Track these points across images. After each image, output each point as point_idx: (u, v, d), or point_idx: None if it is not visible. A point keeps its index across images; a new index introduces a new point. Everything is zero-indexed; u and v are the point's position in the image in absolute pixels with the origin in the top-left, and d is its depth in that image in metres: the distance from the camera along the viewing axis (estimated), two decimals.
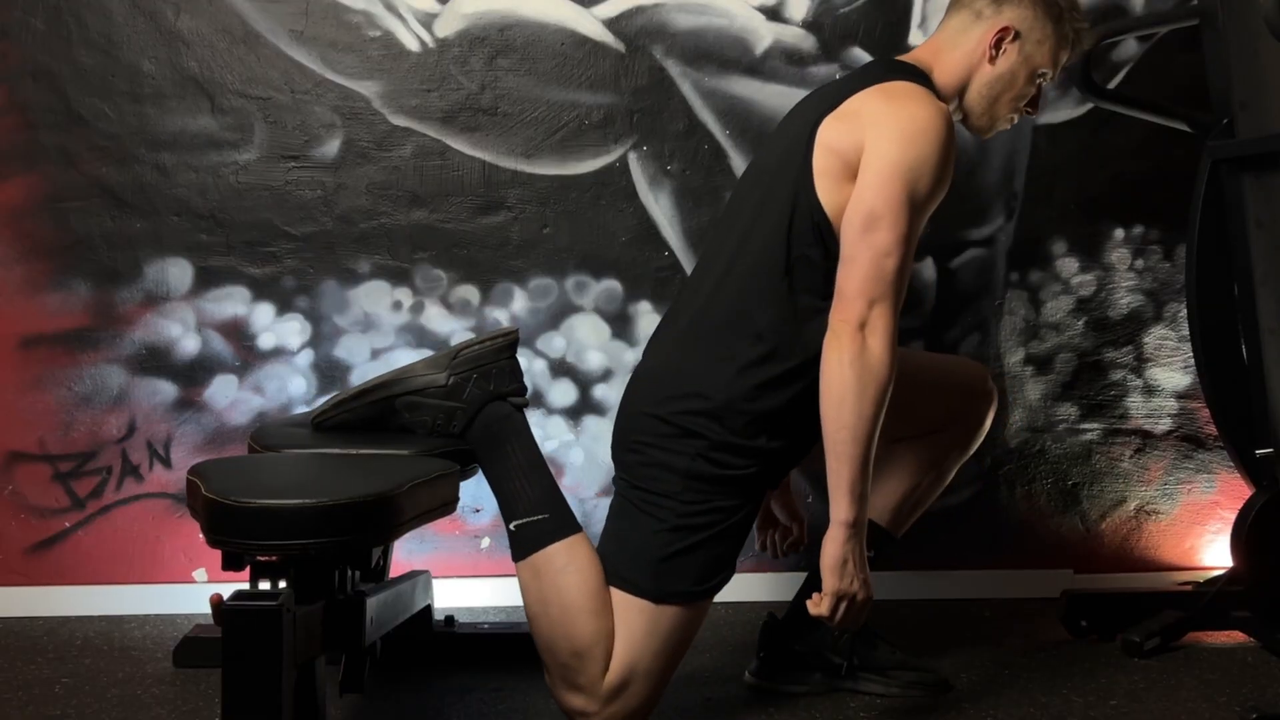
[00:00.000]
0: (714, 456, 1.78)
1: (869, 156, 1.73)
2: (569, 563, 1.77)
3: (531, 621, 1.80)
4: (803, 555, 2.54)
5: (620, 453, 1.89)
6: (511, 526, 1.80)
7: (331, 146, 2.47)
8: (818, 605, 1.74)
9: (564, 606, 1.76)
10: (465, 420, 1.84)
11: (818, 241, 1.77)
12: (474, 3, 2.47)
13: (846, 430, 1.69)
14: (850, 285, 1.71)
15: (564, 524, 1.80)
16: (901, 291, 1.73)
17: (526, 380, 2.47)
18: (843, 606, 1.74)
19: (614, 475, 1.91)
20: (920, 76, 1.85)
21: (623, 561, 1.79)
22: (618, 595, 1.78)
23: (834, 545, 1.73)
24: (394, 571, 2.03)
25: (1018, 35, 1.87)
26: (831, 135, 1.77)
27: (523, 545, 1.79)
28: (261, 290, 2.48)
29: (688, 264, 2.53)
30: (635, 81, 2.50)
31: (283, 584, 1.52)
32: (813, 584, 2.06)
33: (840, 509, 1.72)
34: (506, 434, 1.84)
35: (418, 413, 1.85)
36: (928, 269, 2.57)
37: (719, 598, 2.53)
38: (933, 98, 1.80)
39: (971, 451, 2.08)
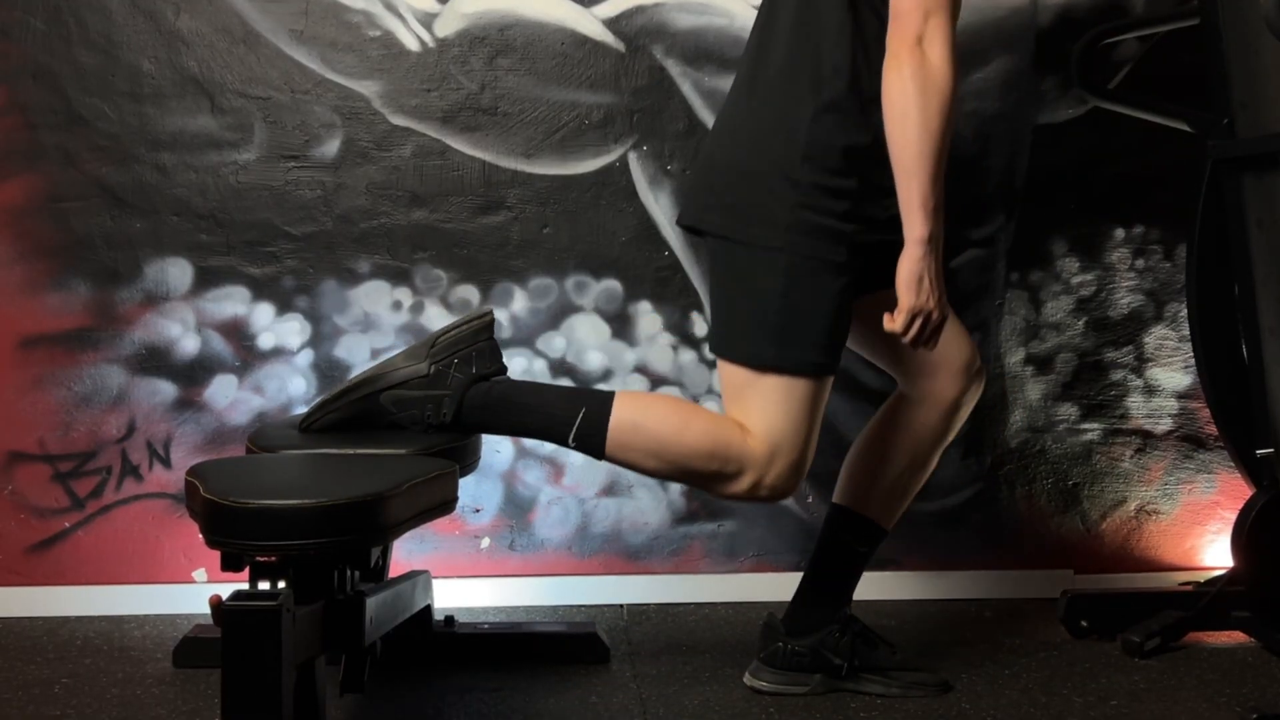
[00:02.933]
0: (812, 202, 1.79)
1: None
2: (635, 414, 1.84)
3: (656, 474, 1.90)
4: (804, 555, 2.54)
5: (711, 217, 1.89)
6: (571, 442, 1.85)
7: (331, 146, 2.47)
8: (892, 322, 1.77)
9: (664, 443, 1.83)
10: (454, 406, 1.84)
11: None
12: (474, 3, 2.47)
13: (914, 145, 1.70)
14: (904, 2, 1.71)
15: (602, 400, 1.86)
16: (957, 2, 1.73)
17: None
18: (917, 323, 1.76)
19: (707, 250, 1.93)
20: None
21: (742, 335, 1.83)
22: (743, 374, 1.83)
23: (910, 262, 1.74)
24: (394, 571, 2.03)
25: None
26: None
27: (592, 443, 1.85)
28: (261, 290, 2.48)
29: (688, 264, 2.53)
30: (635, 81, 2.50)
31: (282, 584, 1.52)
32: (809, 582, 2.07)
33: (915, 226, 1.73)
34: (500, 394, 1.87)
35: (406, 407, 1.85)
36: None
37: (719, 597, 2.55)
38: None
39: (951, 437, 2.07)
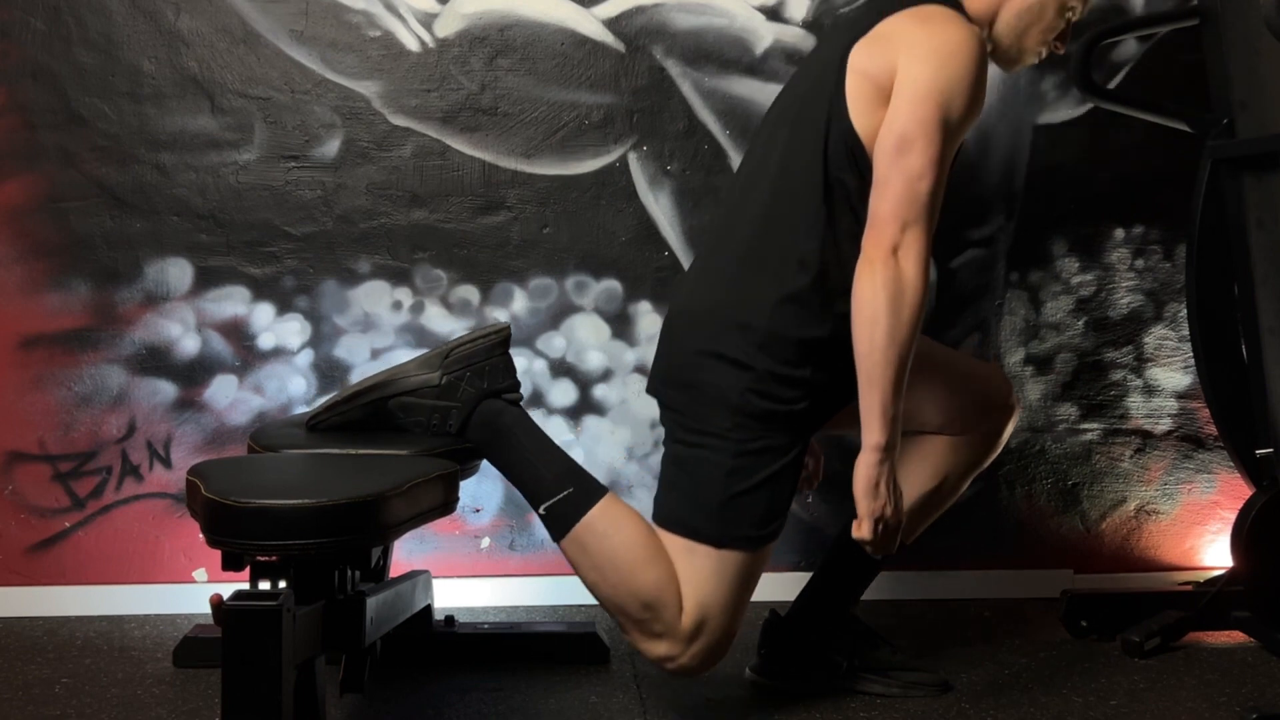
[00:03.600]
0: (763, 389, 1.78)
1: (901, 79, 1.73)
2: (609, 525, 1.79)
3: (593, 589, 1.83)
4: (804, 555, 2.54)
5: (668, 391, 1.89)
6: (541, 511, 1.82)
7: (331, 146, 2.47)
8: (858, 529, 1.76)
9: (618, 567, 1.78)
10: (461, 419, 1.84)
11: (852, 167, 1.77)
12: (474, 3, 2.47)
13: (879, 353, 1.69)
14: (883, 209, 1.71)
15: (590, 492, 1.82)
16: (935, 215, 1.72)
17: (526, 380, 2.48)
18: (879, 528, 1.75)
19: (660, 418, 1.92)
20: (951, 1, 1.85)
21: (684, 509, 1.81)
22: (682, 542, 1.80)
23: (866, 468, 1.74)
24: (394, 571, 2.03)
25: None
26: (863, 59, 1.77)
27: (558, 525, 1.81)
28: (261, 290, 2.48)
29: (688, 264, 2.52)
30: (635, 81, 2.50)
31: (283, 584, 1.52)
32: (817, 584, 2.07)
33: (873, 432, 1.72)
34: (507, 425, 1.85)
35: (412, 413, 1.85)
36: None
37: None
38: (964, 20, 1.79)
39: (986, 465, 2.07)
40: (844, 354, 1.77)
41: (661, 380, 1.91)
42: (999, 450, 2.08)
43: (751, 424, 1.79)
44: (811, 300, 1.78)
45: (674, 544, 1.82)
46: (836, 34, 1.89)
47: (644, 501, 2.54)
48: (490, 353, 1.87)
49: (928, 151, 1.70)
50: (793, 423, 1.81)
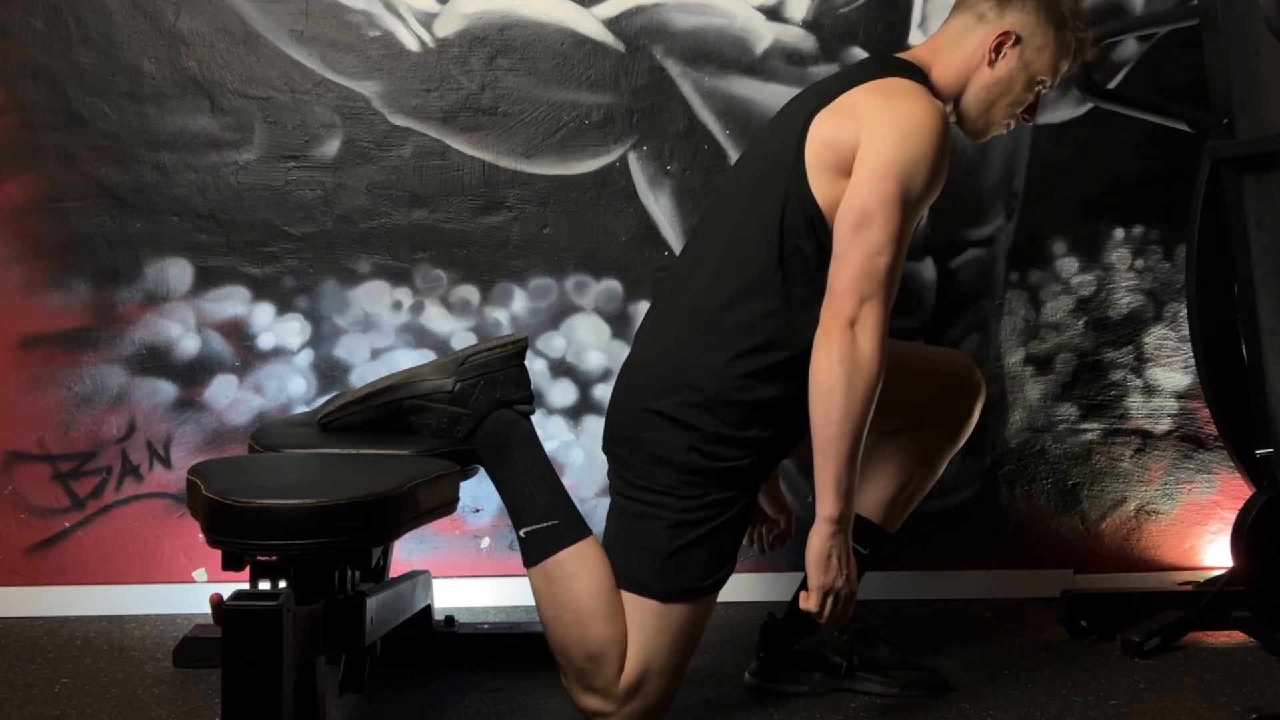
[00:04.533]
0: (707, 449, 1.78)
1: (864, 153, 1.73)
2: (580, 568, 1.78)
3: (545, 625, 1.81)
4: (803, 554, 2.54)
5: (614, 446, 1.89)
6: (521, 534, 1.81)
7: (331, 146, 2.47)
8: (807, 600, 1.76)
9: (576, 611, 1.77)
10: (470, 426, 1.84)
11: (810, 234, 1.77)
12: (474, 3, 2.47)
13: (834, 426, 1.69)
14: (841, 282, 1.71)
15: (573, 529, 1.81)
16: (893, 290, 1.73)
17: None
18: (829, 601, 1.75)
19: (608, 471, 1.91)
20: (918, 74, 1.85)
21: (627, 562, 1.80)
22: (626, 596, 1.79)
23: (819, 540, 1.74)
24: (394, 571, 2.03)
25: (1019, 40, 1.86)
26: (826, 129, 1.77)
27: (533, 551, 1.80)
28: (261, 290, 2.48)
29: None
30: (635, 81, 2.50)
31: (283, 584, 1.52)
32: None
33: (826, 505, 1.73)
34: (513, 441, 1.84)
35: (424, 416, 1.85)
36: (928, 269, 2.57)
37: (719, 597, 2.54)
38: (929, 96, 1.79)
39: (961, 444, 2.08)
40: (790, 413, 1.78)
41: (609, 437, 1.90)
42: (971, 428, 2.08)
43: (696, 480, 1.78)
44: (759, 363, 1.78)
45: (624, 596, 1.80)
46: (803, 100, 1.88)
47: None
48: (505, 363, 1.87)
49: (887, 227, 1.70)
50: (738, 478, 1.81)
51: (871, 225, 1.70)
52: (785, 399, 1.78)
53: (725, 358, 1.78)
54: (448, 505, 1.74)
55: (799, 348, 1.75)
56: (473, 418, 1.84)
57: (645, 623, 1.78)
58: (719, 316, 1.81)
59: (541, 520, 1.80)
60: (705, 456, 1.78)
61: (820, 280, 1.75)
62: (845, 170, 1.74)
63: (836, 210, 1.74)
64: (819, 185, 1.76)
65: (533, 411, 1.91)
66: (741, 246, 1.82)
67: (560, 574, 1.78)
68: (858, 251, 1.70)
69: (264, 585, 1.53)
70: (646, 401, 1.82)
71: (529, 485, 1.82)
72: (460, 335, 2.51)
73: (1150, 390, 2.64)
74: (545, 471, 1.84)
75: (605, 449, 1.92)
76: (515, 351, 1.88)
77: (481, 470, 1.95)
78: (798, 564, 2.50)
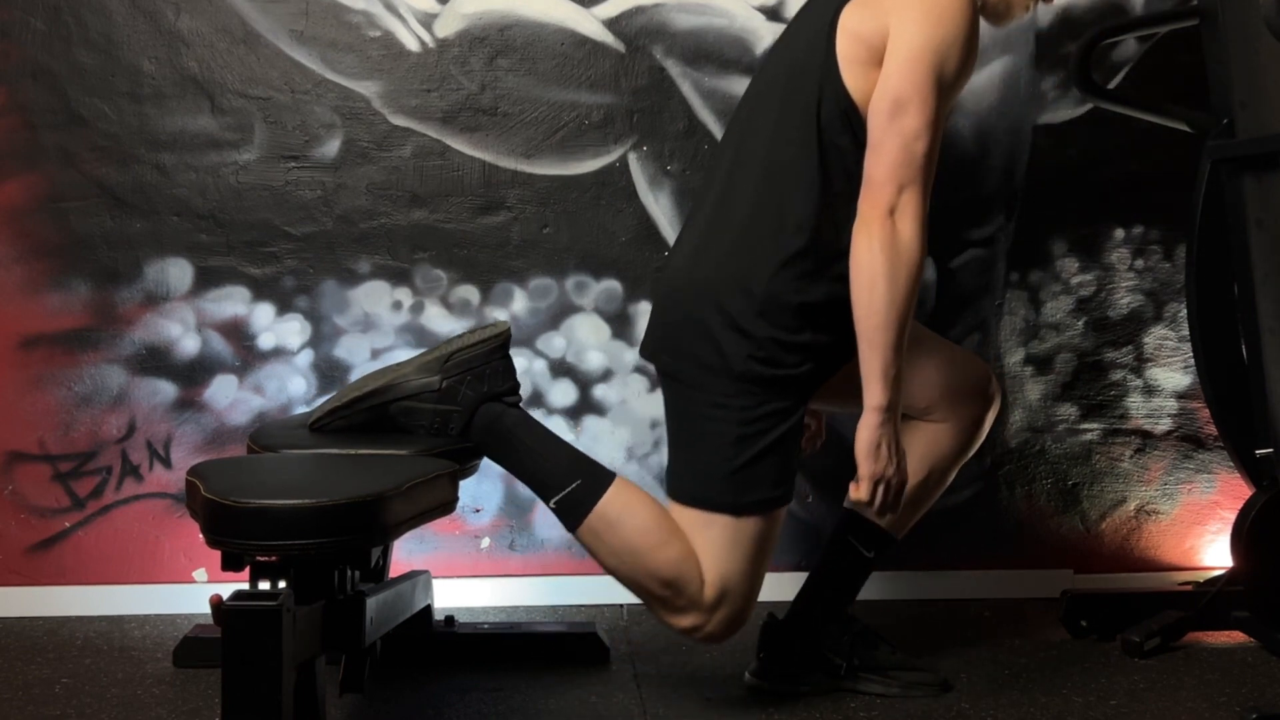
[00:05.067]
0: (764, 355, 1.79)
1: (894, 41, 1.73)
2: (621, 511, 1.81)
3: (612, 573, 1.86)
4: (804, 554, 2.54)
5: (665, 358, 1.89)
6: (552, 505, 1.83)
7: (331, 146, 2.47)
8: (857, 490, 1.77)
9: (634, 551, 1.80)
10: (462, 423, 1.85)
11: (847, 129, 1.77)
12: (474, 3, 2.47)
13: (879, 315, 1.70)
14: (879, 171, 1.71)
15: (598, 480, 1.83)
16: (930, 175, 1.73)
17: (526, 380, 2.48)
18: (880, 489, 1.76)
19: (662, 386, 1.93)
20: None
21: (696, 481, 1.82)
22: (697, 515, 1.82)
23: (868, 430, 1.74)
24: (394, 571, 2.03)
25: None
26: (854, 22, 1.77)
27: (570, 516, 1.83)
28: (261, 290, 2.48)
29: None
30: (635, 81, 2.50)
31: (282, 584, 1.52)
32: (813, 584, 2.07)
33: (874, 394, 1.73)
34: (509, 426, 1.85)
35: (414, 418, 1.85)
36: (928, 269, 2.57)
37: None
38: None
39: (971, 453, 2.08)
40: (843, 316, 1.77)
41: (659, 347, 1.91)
42: (981, 439, 2.08)
43: (754, 390, 1.79)
44: (808, 264, 1.79)
45: (690, 518, 1.84)
46: (823, 2, 1.87)
47: None
48: (490, 356, 1.88)
49: (923, 113, 1.70)
50: (795, 386, 1.82)
51: (906, 112, 1.70)
52: (836, 299, 1.79)
53: (775, 261, 1.79)
54: (447, 505, 1.74)
55: (844, 245, 1.75)
56: (463, 414, 1.85)
57: (719, 540, 1.80)
58: (765, 221, 1.81)
59: (565, 485, 1.82)
60: (762, 364, 1.79)
61: (859, 175, 1.75)
62: (876, 61, 1.75)
63: (869, 103, 1.74)
64: (852, 79, 1.76)
65: (520, 401, 1.92)
66: (780, 149, 1.82)
67: (604, 525, 1.81)
68: (894, 139, 1.71)
69: (264, 585, 1.53)
70: (701, 312, 1.83)
71: (539, 459, 1.84)
72: None
73: (1150, 390, 2.64)
74: (550, 441, 1.86)
75: (652, 358, 1.93)
76: (499, 344, 1.89)
77: (481, 470, 1.95)
78: (798, 564, 2.52)
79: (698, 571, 1.81)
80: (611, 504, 1.82)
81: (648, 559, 1.80)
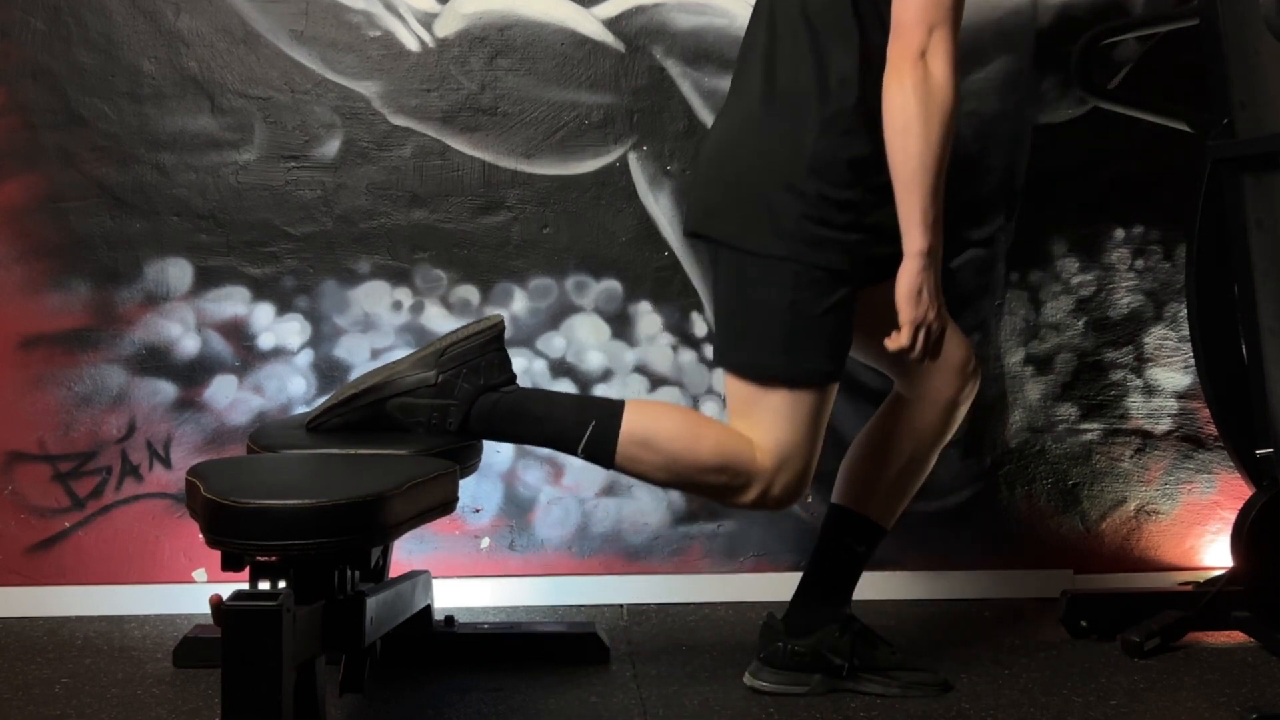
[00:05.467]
0: (816, 214, 1.79)
1: None
2: (645, 430, 1.84)
3: (667, 486, 1.93)
4: (803, 555, 2.54)
5: (715, 223, 1.89)
6: (580, 454, 1.86)
7: (331, 146, 2.47)
8: (896, 340, 1.78)
9: (675, 456, 1.84)
10: (460, 416, 1.85)
11: None
12: (474, 3, 2.47)
13: (915, 160, 1.71)
14: (907, 14, 1.72)
15: (611, 413, 1.86)
16: (959, 15, 1.73)
17: (526, 380, 2.48)
18: (920, 335, 1.78)
19: (711, 257, 1.93)
20: None
21: (751, 350, 1.84)
22: (751, 388, 1.84)
23: (909, 275, 1.76)
24: (394, 571, 2.03)
25: None
26: None
27: (600, 455, 1.86)
28: (261, 290, 2.48)
29: (688, 264, 2.53)
30: (635, 81, 2.50)
31: (282, 584, 1.52)
32: (807, 583, 2.07)
33: (914, 239, 1.75)
34: (509, 406, 1.87)
35: (412, 414, 1.85)
36: None
37: (719, 597, 2.55)
38: None
39: (949, 436, 2.08)
40: (888, 175, 1.78)
41: (709, 214, 1.90)
42: (959, 421, 2.08)
43: (807, 251, 1.80)
44: (855, 119, 1.80)
45: (745, 392, 1.86)
46: None
47: (645, 502, 2.55)
48: (485, 349, 1.88)
49: None
50: (846, 254, 1.82)
51: None
52: (883, 154, 1.78)
53: (822, 118, 1.80)
54: (447, 505, 1.74)
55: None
56: (460, 408, 1.85)
57: (775, 410, 1.83)
58: (807, 79, 1.82)
59: (583, 432, 1.85)
60: (815, 223, 1.79)
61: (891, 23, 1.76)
62: None
63: None
64: None
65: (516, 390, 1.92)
66: (816, 7, 1.82)
67: (636, 448, 1.84)
68: None
69: (264, 585, 1.53)
70: (750, 175, 1.84)
71: (549, 423, 1.86)
72: None
73: (1150, 390, 2.64)
74: (551, 400, 1.90)
75: (700, 228, 1.92)
76: (494, 335, 1.90)
77: (481, 470, 1.96)
78: (797, 564, 2.51)
79: (745, 445, 1.84)
80: (633, 427, 1.84)
81: (691, 457, 1.83)
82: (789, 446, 1.84)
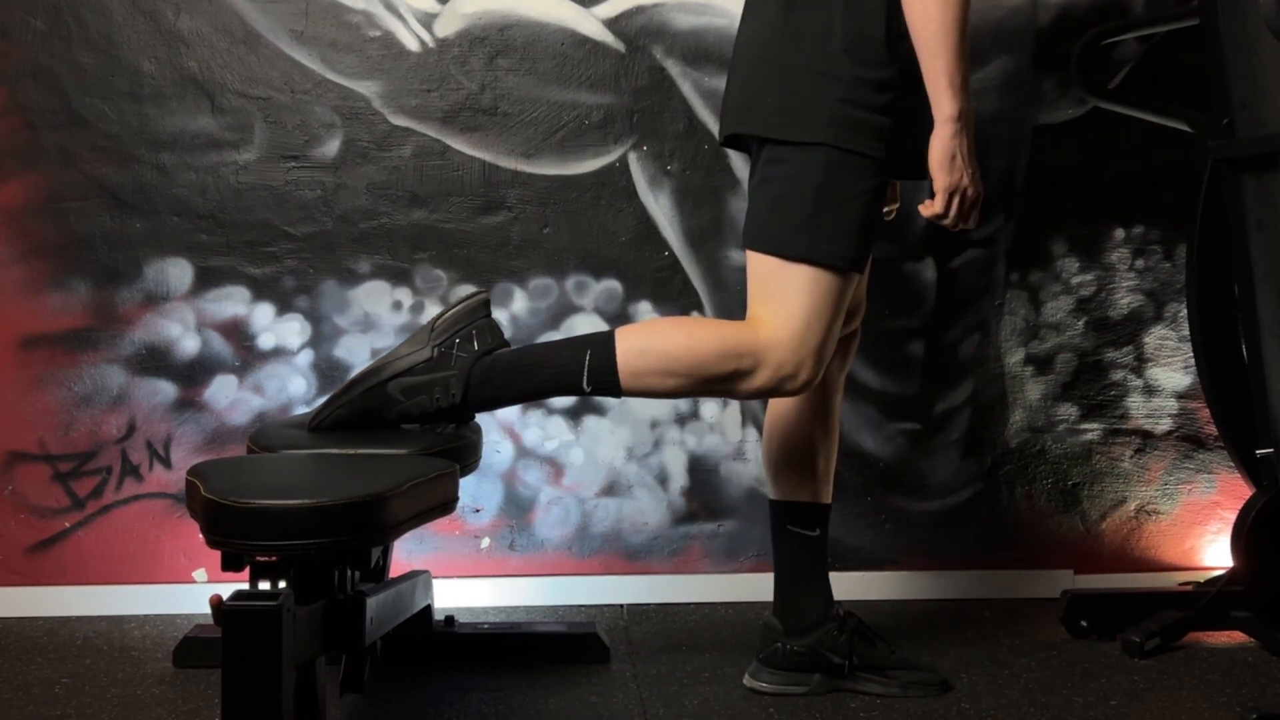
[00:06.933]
0: (852, 96, 1.79)
1: None
2: (640, 343, 1.84)
3: (681, 395, 1.92)
4: None
5: (754, 122, 1.88)
6: (588, 390, 1.85)
7: (331, 146, 2.47)
8: (931, 206, 1.79)
9: (676, 358, 1.83)
10: (461, 385, 1.84)
11: None
12: (474, 3, 2.47)
13: (935, 23, 1.72)
14: None
15: (602, 341, 1.86)
16: None
17: None
18: (955, 201, 1.78)
19: (750, 152, 1.92)
20: None
21: (774, 226, 1.84)
22: (774, 262, 1.83)
23: (941, 141, 1.76)
24: (394, 571, 2.03)
25: None
26: None
27: (607, 386, 1.85)
28: (261, 290, 2.48)
29: (688, 264, 2.53)
30: (635, 81, 2.50)
31: (282, 584, 1.52)
32: (783, 582, 2.06)
33: (943, 104, 1.75)
34: (506, 363, 1.86)
35: (414, 393, 1.85)
36: (928, 269, 2.57)
37: (719, 597, 2.55)
38: None
39: (840, 392, 2.10)
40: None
41: (742, 110, 1.90)
42: (849, 365, 2.12)
43: (843, 133, 1.80)
44: None
45: (764, 266, 1.85)
46: None
47: (645, 502, 2.55)
48: (473, 315, 1.89)
49: None
50: (879, 139, 1.81)
51: None
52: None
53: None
54: (447, 505, 1.74)
55: None
56: (460, 376, 1.85)
57: (794, 285, 1.82)
58: None
59: (581, 364, 1.84)
60: (853, 105, 1.79)
61: None
62: None
63: None
64: None
65: None
66: None
67: (636, 360, 1.83)
68: None
69: (264, 585, 1.53)
70: (786, 64, 1.83)
71: (546, 370, 1.85)
72: None
73: (1150, 390, 2.64)
74: (542, 349, 1.90)
75: (737, 124, 1.91)
76: (480, 303, 1.91)
77: (481, 470, 1.95)
78: None
79: (743, 327, 1.84)
80: (628, 344, 1.84)
81: (692, 355, 1.83)
82: (805, 322, 1.82)
